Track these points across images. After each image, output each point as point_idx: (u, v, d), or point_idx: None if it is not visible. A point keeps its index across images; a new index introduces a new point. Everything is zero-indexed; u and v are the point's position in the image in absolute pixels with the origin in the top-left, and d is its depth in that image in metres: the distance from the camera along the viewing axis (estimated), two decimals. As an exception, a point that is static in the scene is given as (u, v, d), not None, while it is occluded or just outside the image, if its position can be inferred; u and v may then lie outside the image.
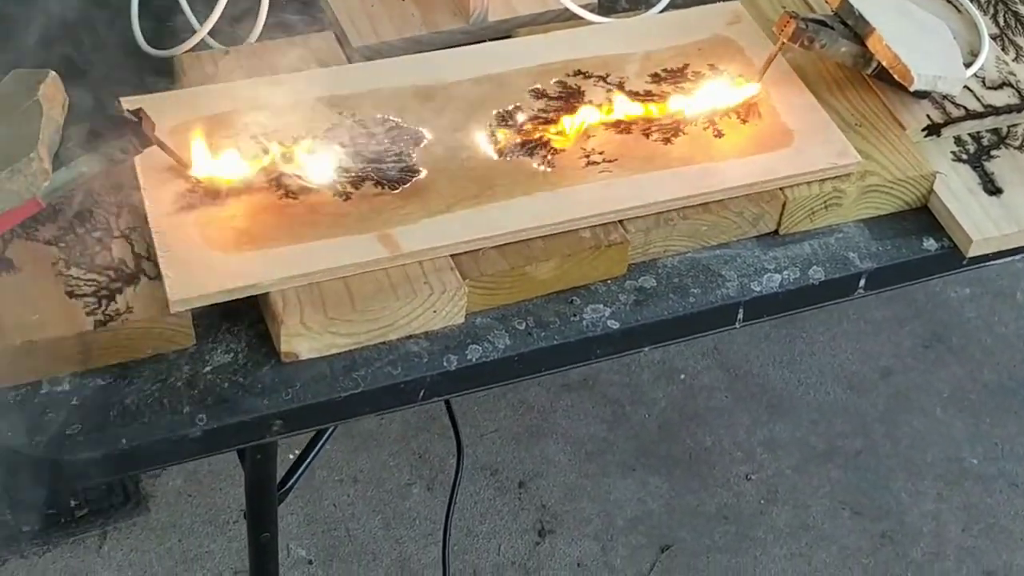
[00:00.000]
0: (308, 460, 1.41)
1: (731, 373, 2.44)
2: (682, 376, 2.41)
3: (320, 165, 1.18)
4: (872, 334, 2.53)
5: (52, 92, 1.13)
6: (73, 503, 2.10)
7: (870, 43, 1.28)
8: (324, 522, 2.16)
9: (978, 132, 1.34)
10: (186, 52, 1.30)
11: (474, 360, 1.14)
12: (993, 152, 1.32)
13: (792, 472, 2.30)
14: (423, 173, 1.19)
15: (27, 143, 1.07)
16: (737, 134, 1.27)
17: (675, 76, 1.31)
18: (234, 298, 1.10)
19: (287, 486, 1.39)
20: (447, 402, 1.57)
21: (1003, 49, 1.42)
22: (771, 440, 2.34)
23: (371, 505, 2.19)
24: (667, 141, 1.25)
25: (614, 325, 1.17)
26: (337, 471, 2.22)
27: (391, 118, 1.23)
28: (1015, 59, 1.41)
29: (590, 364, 1.21)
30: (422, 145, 1.22)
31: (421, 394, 1.13)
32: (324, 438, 1.40)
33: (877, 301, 2.55)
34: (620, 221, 1.19)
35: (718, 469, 2.29)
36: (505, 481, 2.24)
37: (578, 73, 1.30)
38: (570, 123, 1.24)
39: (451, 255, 1.15)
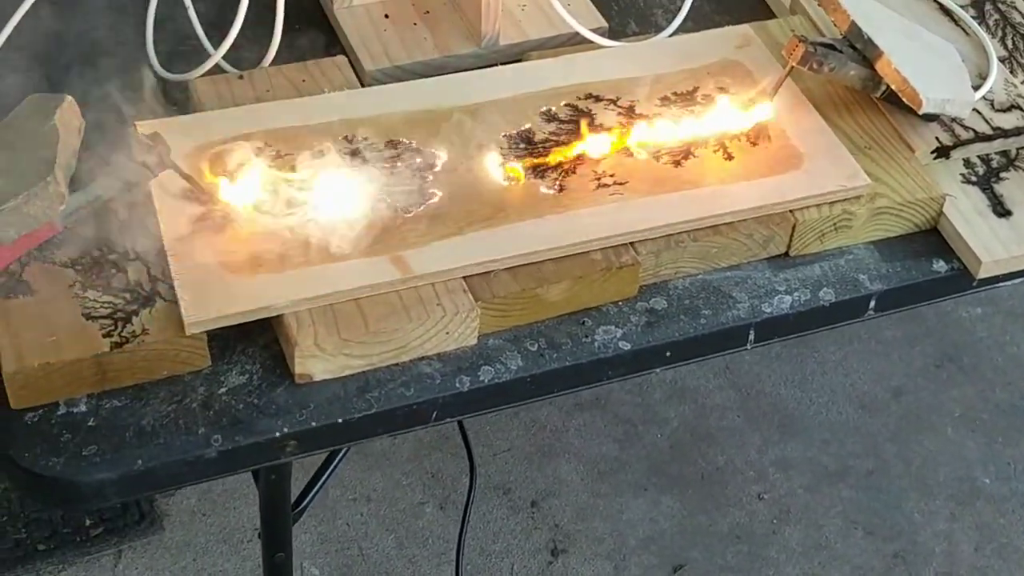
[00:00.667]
0: (322, 480, 1.42)
1: (743, 393, 2.44)
2: (695, 397, 2.42)
3: (333, 189, 1.19)
4: (883, 354, 2.53)
5: (68, 116, 1.15)
6: (88, 522, 2.11)
7: (879, 66, 1.29)
8: (337, 541, 2.16)
9: (987, 154, 1.35)
10: (200, 76, 1.31)
11: (486, 381, 1.14)
12: (1002, 174, 1.33)
13: (804, 492, 2.30)
14: (437, 196, 1.20)
15: (44, 167, 1.08)
16: (747, 157, 1.27)
17: (685, 99, 1.32)
18: (248, 320, 1.11)
19: (301, 506, 1.40)
20: (460, 422, 1.58)
21: (1012, 72, 1.43)
22: (783, 460, 2.35)
23: (384, 524, 2.19)
24: (677, 164, 1.26)
25: (626, 346, 1.18)
26: (350, 490, 2.23)
27: (404, 141, 1.24)
28: (1023, 82, 1.42)
29: (602, 385, 1.21)
30: (435, 168, 1.23)
31: (434, 415, 1.14)
32: (338, 458, 1.41)
33: (888, 321, 2.55)
34: (631, 243, 1.20)
35: (730, 489, 2.30)
36: (518, 500, 2.25)
37: (589, 96, 1.31)
38: (581, 146, 1.25)
39: (463, 277, 1.16)
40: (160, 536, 2.14)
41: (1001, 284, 1.30)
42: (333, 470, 1.42)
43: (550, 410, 2.37)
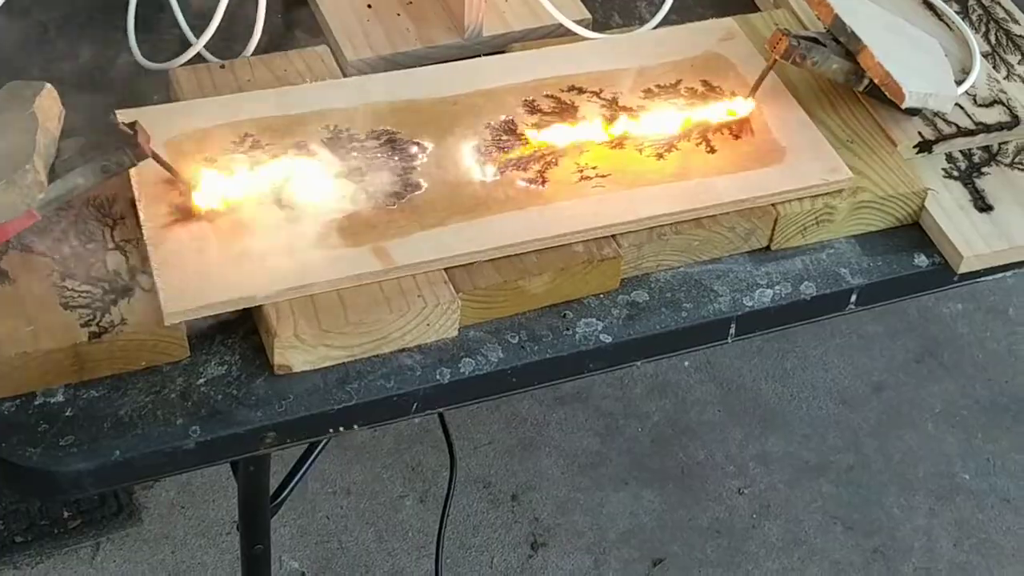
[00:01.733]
0: (301, 472, 1.41)
1: (724, 387, 2.44)
2: (676, 391, 2.42)
3: (315, 179, 1.18)
4: (864, 349, 2.54)
5: (48, 104, 1.14)
6: (66, 514, 2.10)
7: (862, 60, 1.29)
8: (317, 534, 2.16)
9: (969, 149, 1.35)
10: (182, 66, 1.31)
11: (467, 373, 1.14)
12: (984, 169, 1.33)
13: (784, 486, 2.31)
14: (420, 188, 1.19)
15: (22, 155, 1.07)
16: (730, 150, 1.27)
17: (668, 92, 1.32)
18: (228, 310, 1.10)
19: (280, 498, 1.40)
20: (440, 415, 1.57)
21: (994, 67, 1.43)
22: (763, 454, 2.35)
23: (364, 517, 2.19)
24: (660, 156, 1.26)
25: (607, 339, 1.18)
26: (330, 483, 2.22)
27: (387, 131, 1.24)
28: (1006, 77, 1.42)
29: (583, 378, 1.21)
30: (417, 159, 1.22)
31: (414, 407, 1.14)
32: (317, 451, 1.41)
33: (869, 316, 2.56)
34: (613, 236, 1.20)
35: (710, 483, 2.30)
36: (498, 494, 2.24)
37: (572, 88, 1.31)
38: (563, 138, 1.25)
39: (445, 268, 1.15)
40: (138, 528, 2.13)
41: (982, 279, 1.30)
42: (312, 462, 1.41)
43: (531, 403, 2.36)
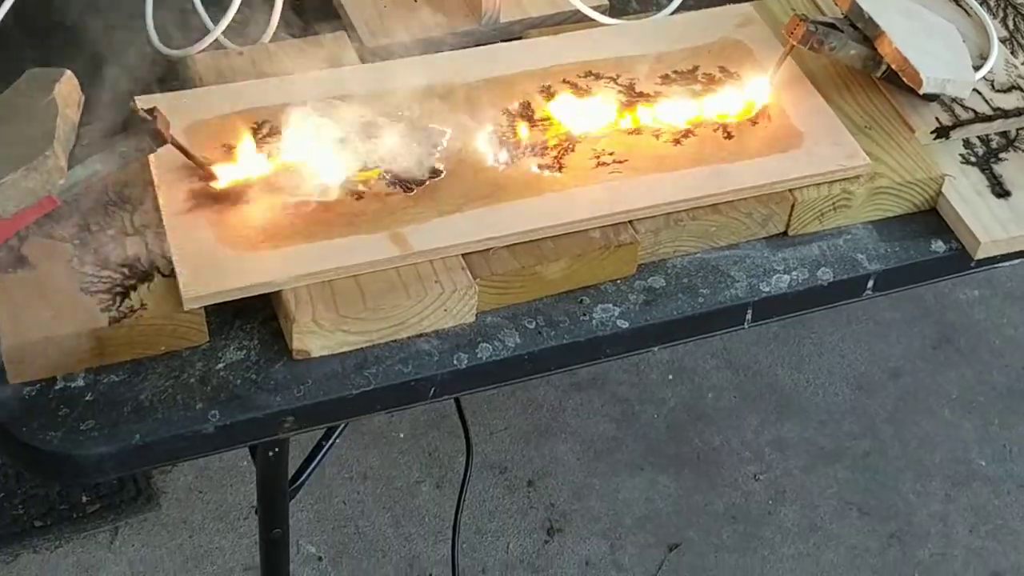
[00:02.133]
0: (319, 457, 1.42)
1: (740, 373, 2.45)
2: (693, 376, 2.42)
3: (333, 164, 1.19)
4: (881, 335, 2.54)
5: (68, 91, 1.14)
6: (84, 498, 2.11)
7: (879, 46, 1.29)
8: (334, 519, 2.17)
9: (987, 135, 1.35)
10: (200, 52, 1.31)
11: (484, 359, 1.14)
12: (1002, 155, 1.33)
13: (800, 472, 2.31)
14: (441, 173, 1.20)
15: (43, 141, 1.08)
16: (747, 136, 1.27)
17: (685, 78, 1.32)
18: (247, 296, 1.11)
19: (298, 483, 1.40)
20: (457, 400, 1.58)
21: (1012, 52, 1.43)
22: (779, 440, 2.35)
23: (381, 502, 2.20)
24: (677, 142, 1.26)
25: (623, 324, 1.18)
26: (347, 468, 2.23)
27: (406, 116, 1.24)
28: (1023, 62, 1.42)
29: (599, 363, 1.21)
30: (435, 145, 1.22)
31: (432, 392, 1.14)
32: (335, 435, 1.41)
33: (886, 302, 2.55)
34: (630, 221, 1.20)
35: (726, 469, 2.30)
36: (514, 479, 2.25)
37: (589, 74, 1.31)
38: (580, 124, 1.25)
39: (462, 254, 1.15)
40: (156, 513, 2.14)
41: (999, 265, 1.30)
42: (330, 447, 1.42)
43: (547, 389, 2.37)
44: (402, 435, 2.28)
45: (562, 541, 2.18)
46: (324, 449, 1.42)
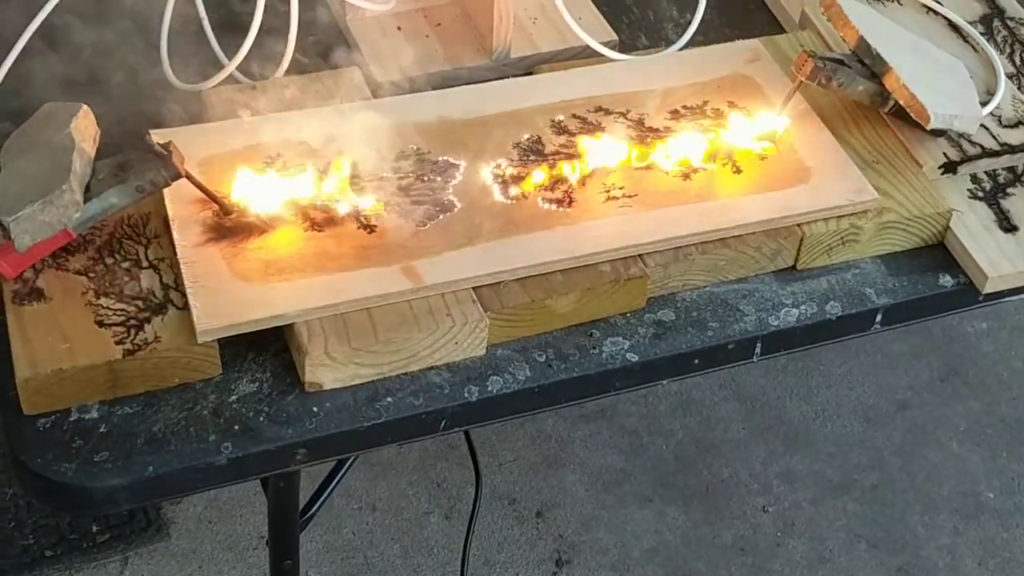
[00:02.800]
0: (330, 488, 1.43)
1: (748, 405, 2.45)
2: (700, 409, 2.42)
3: (345, 198, 1.20)
4: (889, 367, 2.54)
5: (84, 125, 1.16)
6: (95, 528, 2.12)
7: (887, 82, 1.30)
8: (343, 549, 2.17)
9: (994, 170, 1.36)
10: (214, 86, 1.32)
11: (495, 392, 1.15)
12: (1009, 190, 1.34)
13: (809, 504, 2.31)
14: (449, 208, 1.21)
15: (59, 175, 1.09)
16: (756, 170, 1.28)
17: (694, 113, 1.33)
18: (260, 328, 1.12)
19: (309, 514, 1.41)
20: (466, 432, 1.58)
21: (1019, 88, 1.44)
22: (788, 472, 2.35)
23: (389, 533, 2.20)
24: (686, 177, 1.27)
25: (633, 358, 1.19)
26: (356, 499, 2.23)
27: (417, 150, 1.25)
28: (1031, 98, 1.43)
29: (609, 396, 1.22)
30: (446, 179, 1.23)
31: (442, 424, 1.15)
32: (345, 467, 1.42)
33: (894, 335, 2.56)
34: (639, 255, 1.21)
35: (735, 501, 2.30)
36: (523, 511, 2.25)
37: (599, 109, 1.32)
38: (590, 158, 1.26)
39: (473, 288, 1.16)
40: (166, 543, 2.14)
41: (1007, 299, 1.30)
42: (341, 478, 1.43)
43: (556, 421, 2.37)
44: (411, 466, 2.29)
45: (570, 572, 2.18)
46: (335, 480, 1.42)
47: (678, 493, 2.30)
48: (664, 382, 1.24)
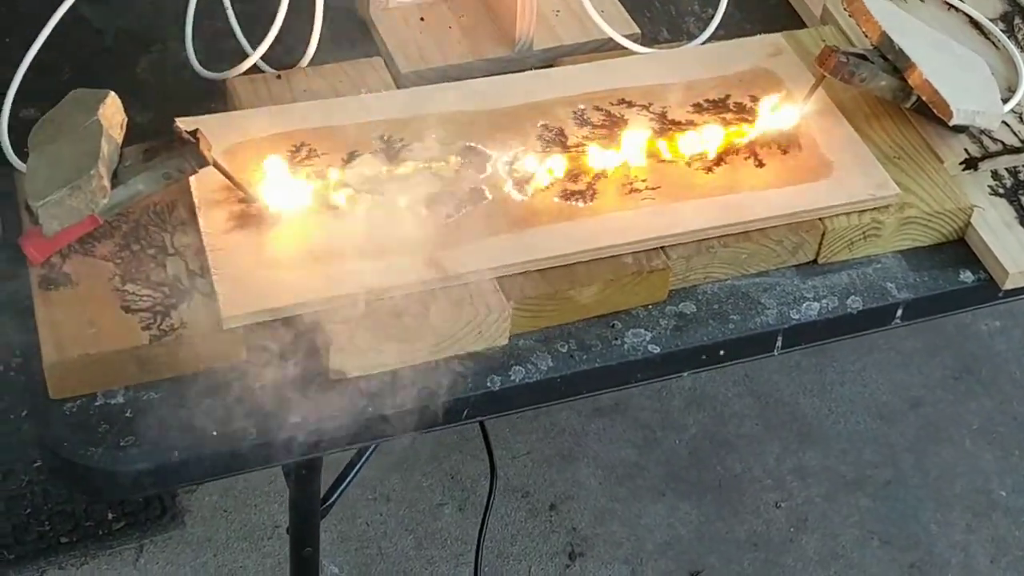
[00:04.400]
0: (350, 477, 1.43)
1: (762, 401, 2.45)
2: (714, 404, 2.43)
3: (368, 189, 1.20)
4: (902, 365, 2.54)
5: (111, 112, 1.16)
6: (110, 516, 2.13)
7: (910, 78, 1.30)
8: (357, 540, 2.18)
9: (1015, 167, 1.36)
10: (239, 76, 1.33)
11: (517, 381, 1.16)
12: (1030, 186, 1.34)
13: (822, 500, 2.31)
14: (476, 198, 1.21)
15: (87, 161, 1.10)
16: (778, 164, 1.29)
17: (717, 106, 1.33)
18: (284, 316, 1.12)
19: (328, 503, 1.41)
20: (482, 424, 1.59)
21: (1040, 85, 1.44)
22: (801, 468, 2.35)
23: (403, 524, 2.21)
24: (709, 170, 1.27)
25: (655, 349, 1.19)
26: (370, 490, 2.24)
27: (441, 140, 1.26)
28: (1052, 95, 1.43)
29: (630, 387, 1.22)
30: (475, 171, 1.24)
31: (465, 414, 1.15)
32: (366, 455, 1.42)
33: (907, 332, 2.56)
34: (662, 248, 1.22)
35: (748, 496, 2.31)
36: (536, 504, 2.26)
37: (621, 102, 1.33)
38: (614, 151, 1.27)
39: (496, 278, 1.17)
40: (181, 531, 2.15)
41: (1027, 295, 1.31)
42: (361, 467, 1.43)
43: (569, 414, 2.38)
44: (425, 458, 2.29)
45: (583, 565, 2.18)
46: (355, 468, 1.43)
47: (691, 488, 2.30)
48: (685, 374, 1.24)
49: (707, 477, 2.32)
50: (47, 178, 1.09)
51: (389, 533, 2.19)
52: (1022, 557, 2.27)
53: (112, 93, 1.17)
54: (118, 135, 1.16)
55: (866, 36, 1.34)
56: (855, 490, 2.33)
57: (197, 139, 1.13)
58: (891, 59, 1.32)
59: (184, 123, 1.20)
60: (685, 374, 1.24)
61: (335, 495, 1.42)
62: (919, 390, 2.50)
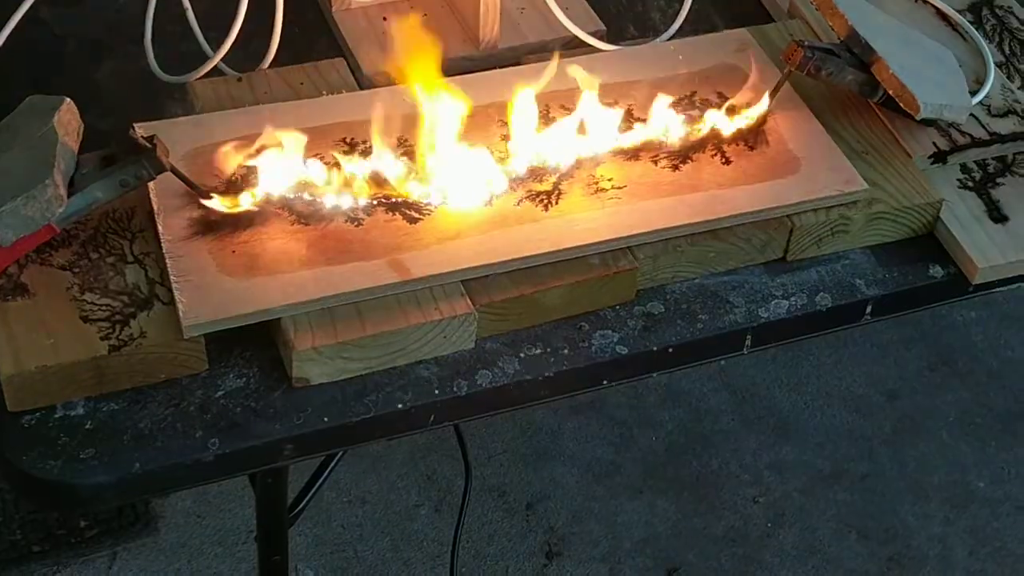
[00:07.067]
0: (318, 484, 1.42)
1: (738, 396, 2.45)
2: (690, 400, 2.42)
3: (332, 191, 1.19)
4: (878, 357, 2.54)
5: (67, 118, 1.14)
6: (83, 523, 2.11)
7: (876, 72, 1.30)
8: (333, 543, 2.17)
9: (984, 160, 1.35)
10: (199, 78, 1.31)
11: (484, 385, 1.14)
12: (999, 179, 1.33)
13: (799, 495, 2.31)
14: (440, 200, 1.20)
15: (42, 169, 1.08)
16: (745, 161, 1.28)
17: (683, 103, 1.32)
18: (246, 323, 1.11)
19: (297, 509, 1.40)
20: (456, 425, 1.58)
21: (1008, 77, 1.44)
22: (778, 463, 2.35)
23: (379, 527, 2.19)
24: (675, 168, 1.26)
25: (623, 351, 1.18)
26: (345, 493, 2.23)
27: (404, 141, 1.24)
28: (1020, 87, 1.43)
29: (599, 390, 1.21)
30: (434, 171, 1.22)
31: (431, 419, 1.14)
32: (334, 462, 1.41)
33: (883, 324, 2.56)
34: (629, 248, 1.20)
35: (725, 492, 2.30)
36: (513, 503, 2.25)
37: (587, 100, 1.31)
38: (579, 150, 1.25)
39: (461, 281, 1.16)
40: (155, 538, 2.13)
41: (997, 290, 1.30)
42: (329, 473, 1.42)
43: (545, 413, 2.37)
44: (400, 459, 2.28)
45: (561, 564, 2.18)
46: (324, 475, 1.42)
47: (668, 484, 2.30)
48: (654, 375, 1.23)
49: (684, 473, 2.32)
50: (1, 188, 1.07)
51: (365, 536, 2.18)
52: (1000, 548, 2.27)
53: (68, 100, 1.15)
54: (74, 142, 1.14)
55: (833, 30, 1.34)
56: (832, 484, 2.33)
57: (154, 145, 1.12)
58: (858, 53, 1.31)
59: (142, 128, 1.19)
60: (654, 375, 1.23)
61: (304, 501, 1.40)
62: (895, 382, 2.50)
